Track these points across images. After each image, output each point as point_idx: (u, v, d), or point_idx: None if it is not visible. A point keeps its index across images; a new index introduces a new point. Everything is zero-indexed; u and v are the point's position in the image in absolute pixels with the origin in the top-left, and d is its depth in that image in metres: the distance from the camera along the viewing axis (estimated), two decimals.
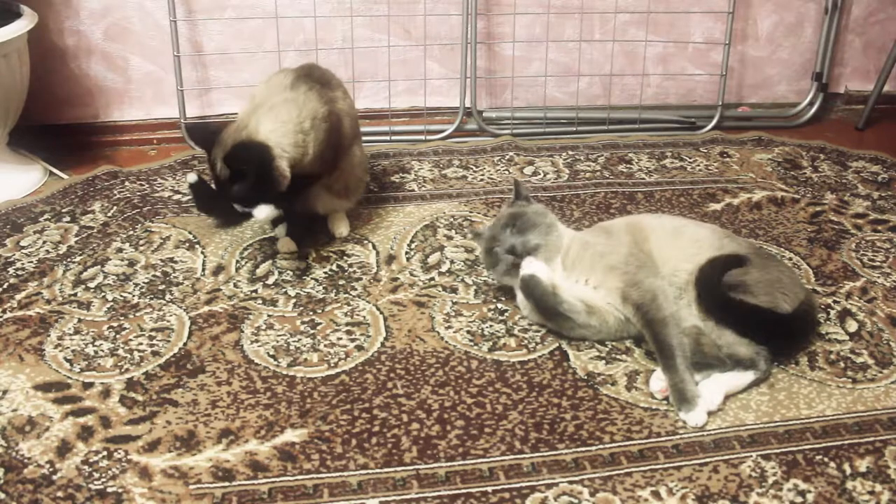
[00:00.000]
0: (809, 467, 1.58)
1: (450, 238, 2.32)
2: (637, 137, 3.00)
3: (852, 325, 1.97)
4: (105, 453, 1.58)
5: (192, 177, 2.35)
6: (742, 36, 3.16)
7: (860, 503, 1.50)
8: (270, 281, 2.12)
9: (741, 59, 3.19)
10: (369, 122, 2.93)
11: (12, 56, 2.45)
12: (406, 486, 1.53)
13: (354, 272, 2.17)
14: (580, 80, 3.10)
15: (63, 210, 2.45)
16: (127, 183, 2.61)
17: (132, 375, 1.79)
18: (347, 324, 1.97)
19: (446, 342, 1.90)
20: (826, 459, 1.59)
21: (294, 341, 1.90)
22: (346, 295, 2.07)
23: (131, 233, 2.33)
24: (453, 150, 2.88)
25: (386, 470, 1.56)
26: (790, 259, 2.24)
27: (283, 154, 1.99)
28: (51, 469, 1.55)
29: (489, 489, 1.52)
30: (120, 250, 2.25)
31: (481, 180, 2.67)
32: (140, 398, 1.72)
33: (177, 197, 2.53)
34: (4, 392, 1.73)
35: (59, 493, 1.50)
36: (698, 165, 2.80)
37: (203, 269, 2.17)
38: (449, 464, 1.57)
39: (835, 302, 2.06)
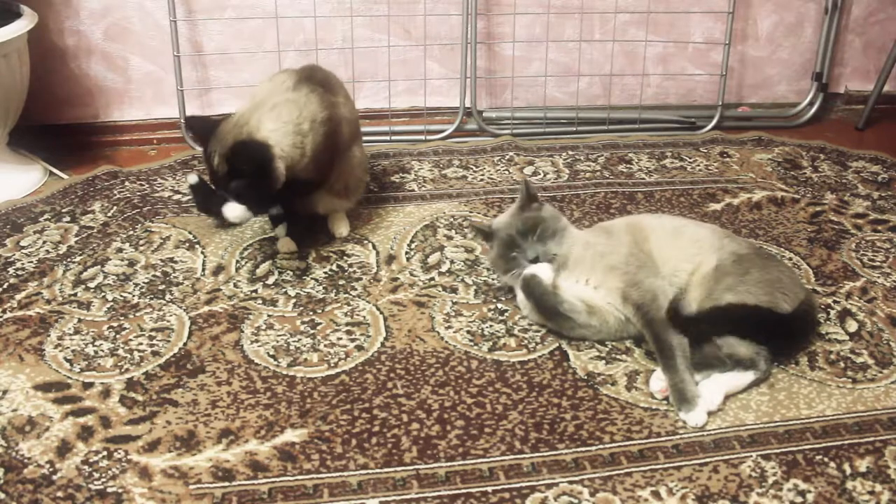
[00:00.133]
0: (809, 467, 1.58)
1: (450, 238, 2.32)
2: (637, 137, 3.00)
3: (852, 325, 1.97)
4: (105, 453, 1.58)
5: (192, 178, 2.35)
6: (742, 36, 3.16)
7: (860, 503, 1.50)
8: (270, 281, 2.12)
9: (741, 59, 3.19)
10: (369, 122, 2.93)
11: (12, 56, 2.45)
12: (406, 486, 1.53)
13: (354, 272, 2.17)
14: (580, 80, 3.10)
15: (63, 210, 2.45)
16: (127, 183, 2.61)
17: (132, 375, 1.79)
18: (347, 324, 1.97)
19: (446, 342, 1.90)
20: (826, 459, 1.59)
21: (294, 341, 1.90)
22: (346, 295, 2.07)
23: (131, 233, 2.33)
24: (453, 150, 2.88)
25: (386, 470, 1.56)
26: (790, 259, 2.24)
27: (282, 154, 2.00)
28: (51, 469, 1.55)
29: (489, 489, 1.52)
30: (120, 250, 2.25)
31: (481, 180, 2.67)
32: (140, 398, 1.72)
33: (177, 197, 2.53)
34: (4, 392, 1.73)
35: (59, 493, 1.50)
36: (698, 165, 2.80)
37: (203, 269, 2.17)
38: (449, 464, 1.57)
39: (835, 302, 2.06)
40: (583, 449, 1.61)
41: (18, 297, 2.04)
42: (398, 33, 2.95)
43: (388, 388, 1.76)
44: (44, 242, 2.28)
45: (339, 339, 1.91)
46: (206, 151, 2.05)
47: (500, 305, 2.04)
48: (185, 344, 1.89)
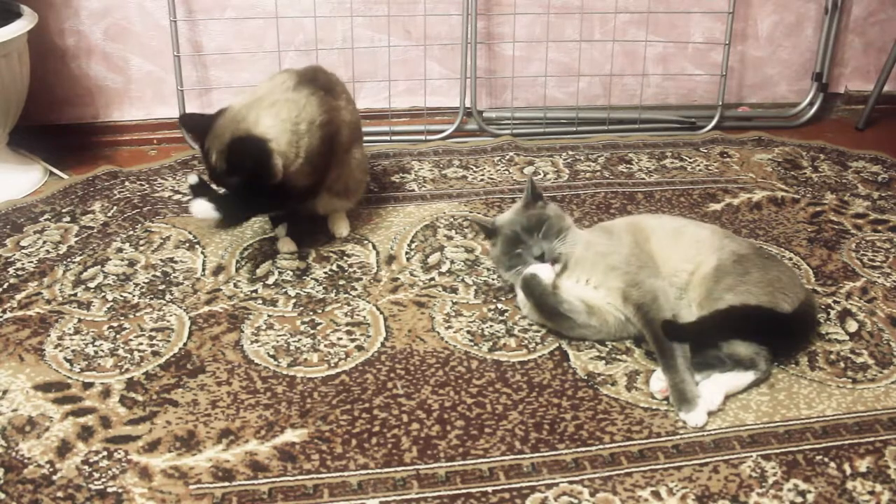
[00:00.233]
0: (809, 467, 1.58)
1: (450, 238, 2.32)
2: (637, 137, 3.00)
3: (852, 325, 1.97)
4: (105, 453, 1.58)
5: (192, 178, 2.35)
6: (742, 36, 3.16)
7: (860, 503, 1.50)
8: (270, 281, 2.12)
9: (741, 59, 3.19)
10: (369, 122, 2.93)
11: (12, 56, 2.45)
12: (406, 486, 1.53)
13: (354, 272, 2.17)
14: (580, 80, 3.10)
15: (63, 210, 2.45)
16: (127, 183, 2.61)
17: (132, 375, 1.79)
18: (347, 324, 1.97)
19: (446, 342, 1.90)
20: (826, 459, 1.59)
21: (294, 341, 1.90)
22: (347, 295, 2.07)
23: (131, 233, 2.33)
24: (453, 150, 2.88)
25: (386, 470, 1.56)
26: (790, 259, 2.24)
27: (279, 150, 2.00)
28: (51, 469, 1.55)
29: (489, 489, 1.52)
30: (120, 250, 2.25)
31: (481, 180, 2.67)
32: (140, 398, 1.72)
33: (177, 197, 2.53)
34: (4, 392, 1.73)
35: (59, 494, 1.50)
36: (698, 165, 2.80)
37: (203, 269, 2.17)
38: (449, 464, 1.57)
39: (835, 302, 2.06)
40: (583, 449, 1.61)
41: (18, 297, 2.04)
42: (398, 33, 2.95)
43: (388, 389, 1.76)
44: (44, 242, 2.28)
45: (340, 339, 1.91)
46: (202, 148, 2.05)
47: (500, 305, 2.04)
48: (185, 344, 1.89)
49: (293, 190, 2.11)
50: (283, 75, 2.19)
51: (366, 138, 2.58)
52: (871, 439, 1.64)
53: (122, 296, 2.06)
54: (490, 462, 1.58)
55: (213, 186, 2.13)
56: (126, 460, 1.57)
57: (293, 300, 2.05)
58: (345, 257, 2.23)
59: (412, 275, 2.16)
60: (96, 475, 1.54)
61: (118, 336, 1.91)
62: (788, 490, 1.52)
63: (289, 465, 1.57)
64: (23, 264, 2.17)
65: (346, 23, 2.89)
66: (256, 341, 1.90)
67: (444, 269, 2.19)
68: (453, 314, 2.00)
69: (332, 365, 1.83)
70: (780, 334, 1.79)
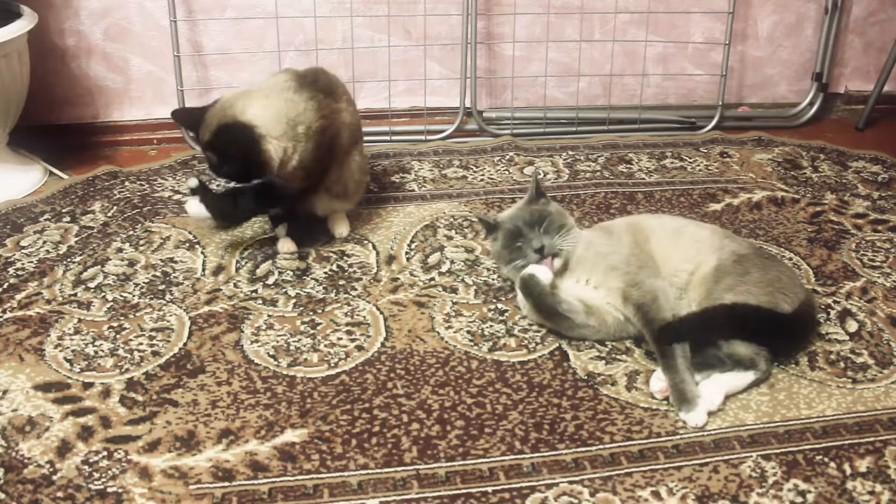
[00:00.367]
0: (809, 467, 1.58)
1: (450, 238, 2.32)
2: (637, 137, 3.00)
3: (852, 325, 1.97)
4: (105, 453, 1.58)
5: (192, 181, 2.35)
6: (742, 36, 3.16)
7: (860, 503, 1.50)
8: (270, 281, 2.12)
9: (741, 59, 3.19)
10: (369, 122, 2.93)
11: (12, 56, 2.45)
12: (406, 486, 1.53)
13: (354, 272, 2.17)
14: (580, 80, 3.10)
15: (63, 210, 2.45)
16: (127, 183, 2.61)
17: (132, 375, 1.79)
18: (347, 324, 1.97)
19: (446, 342, 1.90)
20: (826, 459, 1.59)
21: (294, 341, 1.90)
22: (347, 295, 2.07)
23: (131, 233, 2.33)
24: (453, 151, 2.88)
25: (386, 470, 1.56)
26: (790, 259, 2.24)
27: (270, 138, 1.99)
28: (51, 469, 1.55)
29: (489, 489, 1.52)
30: (120, 250, 2.25)
31: (481, 180, 2.67)
32: (140, 398, 1.72)
33: (177, 197, 2.53)
34: (4, 392, 1.73)
35: (59, 494, 1.50)
36: (698, 165, 2.80)
37: (203, 269, 2.17)
38: (449, 464, 1.57)
39: (835, 302, 2.06)
40: (583, 449, 1.61)
41: (18, 297, 2.04)
42: (398, 33, 2.95)
43: (388, 389, 1.76)
44: (44, 242, 2.28)
45: (340, 339, 1.91)
46: (198, 140, 2.06)
47: (500, 305, 2.04)
48: (185, 344, 1.89)
49: (288, 189, 2.11)
50: (284, 75, 2.18)
51: (366, 138, 2.58)
52: (871, 439, 1.64)
53: (122, 296, 2.06)
54: (490, 462, 1.58)
55: (215, 184, 2.13)
56: (126, 460, 1.57)
57: (293, 300, 2.05)
58: (345, 257, 2.23)
59: (412, 275, 2.16)
60: (96, 475, 1.54)
61: (118, 336, 1.91)
62: (788, 490, 1.52)
63: (289, 465, 1.57)
64: (23, 264, 2.17)
65: (346, 23, 2.89)
66: (256, 341, 1.90)
67: (444, 269, 2.19)
68: (453, 314, 2.00)
69: (332, 365, 1.83)
70: (780, 334, 1.79)
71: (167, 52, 2.81)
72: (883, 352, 1.89)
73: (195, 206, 2.11)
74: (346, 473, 1.55)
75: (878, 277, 2.16)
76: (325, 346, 1.89)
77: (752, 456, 1.60)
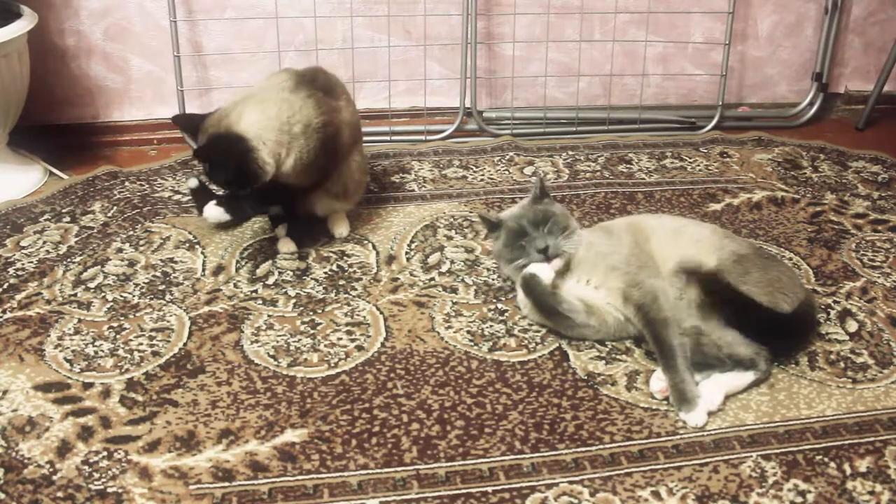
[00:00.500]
0: (809, 467, 1.58)
1: (450, 238, 2.32)
2: (637, 137, 3.00)
3: (852, 325, 1.97)
4: (105, 453, 1.58)
5: (192, 182, 2.35)
6: (742, 36, 3.16)
7: (860, 503, 1.50)
8: (270, 281, 2.12)
9: (741, 59, 3.19)
10: (369, 123, 2.93)
11: (12, 56, 2.45)
12: (406, 486, 1.53)
13: (354, 272, 2.17)
14: (580, 80, 3.10)
15: (63, 210, 2.45)
16: (127, 183, 2.61)
17: (132, 376, 1.79)
18: (347, 324, 1.97)
19: (446, 342, 1.90)
20: (826, 459, 1.59)
21: (294, 341, 1.90)
22: (346, 295, 2.07)
23: (131, 233, 2.33)
24: (453, 151, 2.88)
25: (386, 470, 1.56)
26: (790, 259, 2.24)
27: (264, 147, 1.99)
28: (51, 469, 1.55)
29: (489, 489, 1.52)
30: (120, 250, 2.25)
31: (481, 180, 2.67)
32: (140, 398, 1.72)
33: (177, 197, 2.53)
34: (4, 392, 1.73)
35: (59, 494, 1.50)
36: (698, 165, 2.80)
37: (203, 270, 2.17)
38: (449, 464, 1.57)
39: (835, 302, 2.06)
40: (583, 449, 1.61)
41: (18, 297, 2.04)
42: (398, 33, 2.95)
43: (388, 389, 1.76)
44: (44, 242, 2.28)
45: (340, 339, 1.91)
46: (193, 153, 2.06)
47: (500, 305, 2.04)
48: (185, 344, 1.89)
49: (291, 188, 2.11)
50: (283, 74, 2.18)
51: (366, 138, 2.58)
52: (871, 439, 1.64)
53: (122, 296, 2.06)
54: (490, 462, 1.58)
55: (212, 187, 2.14)
56: (126, 460, 1.57)
57: (293, 300, 2.05)
58: (345, 257, 2.23)
59: (412, 275, 2.16)
60: (96, 475, 1.54)
61: (118, 336, 1.91)
62: (788, 490, 1.52)
63: (289, 465, 1.57)
64: (23, 264, 2.17)
65: (346, 23, 2.89)
66: (256, 341, 1.90)
67: (444, 269, 2.19)
68: (453, 314, 2.00)
69: (332, 365, 1.83)
70: (781, 334, 1.79)
71: (167, 52, 2.81)
72: (883, 352, 1.89)
73: (211, 211, 2.10)
74: (346, 473, 1.55)
75: (878, 277, 2.16)
76: (325, 346, 1.89)
77: (752, 456, 1.60)
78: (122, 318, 1.97)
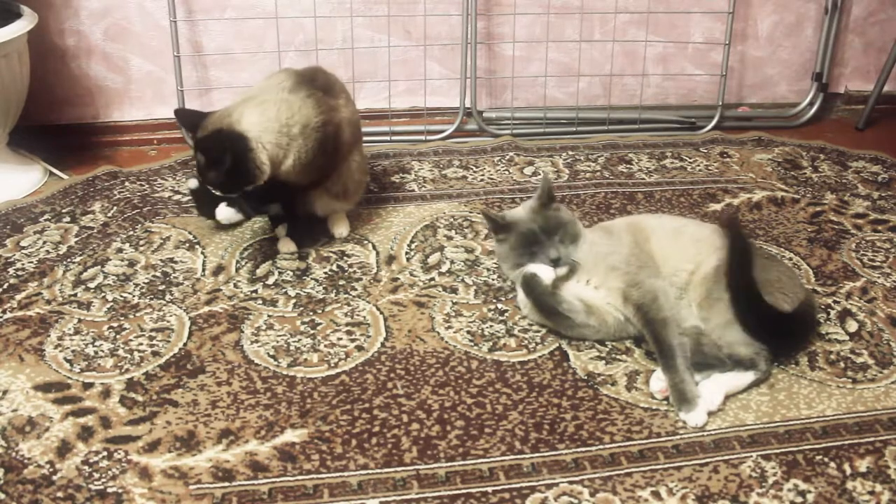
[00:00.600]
0: (809, 467, 1.58)
1: (450, 238, 2.32)
2: (637, 137, 3.00)
3: (852, 326, 1.97)
4: (105, 454, 1.58)
5: (192, 182, 2.36)
6: (742, 36, 3.16)
7: (860, 503, 1.50)
8: (270, 281, 2.12)
9: (741, 59, 3.19)
10: (369, 123, 2.93)
11: (12, 56, 2.45)
12: (406, 486, 1.53)
13: (354, 272, 2.17)
14: (580, 80, 3.10)
15: (63, 210, 2.45)
16: (127, 183, 2.61)
17: (132, 376, 1.79)
18: (347, 324, 1.97)
19: (446, 342, 1.90)
20: (826, 459, 1.59)
21: (294, 341, 1.90)
22: (346, 295, 2.07)
23: (131, 233, 2.33)
24: (453, 151, 2.88)
25: (386, 470, 1.56)
26: (790, 259, 2.23)
27: (263, 148, 1.99)
28: (51, 469, 1.55)
29: (489, 489, 1.52)
30: (120, 250, 2.25)
31: (481, 180, 2.67)
32: (140, 398, 1.72)
33: (177, 197, 2.53)
34: (4, 392, 1.73)
35: (59, 494, 1.50)
36: (698, 165, 2.80)
37: (203, 270, 2.17)
38: (449, 464, 1.57)
39: (835, 302, 2.06)
40: (583, 449, 1.61)
41: (18, 297, 2.04)
42: (398, 33, 2.95)
43: (388, 389, 1.76)
44: (44, 243, 2.28)
45: (340, 339, 1.91)
46: (193, 143, 2.06)
47: (500, 305, 2.04)
48: (185, 344, 1.89)
49: (291, 186, 2.11)
50: (282, 74, 2.19)
51: (366, 138, 2.58)
52: (871, 439, 1.64)
53: (122, 296, 2.06)
54: (490, 462, 1.58)
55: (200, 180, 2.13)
56: (126, 460, 1.57)
57: (293, 300, 2.05)
58: (345, 257, 2.23)
59: (412, 275, 2.16)
60: (96, 475, 1.54)
61: (118, 336, 1.91)
62: (788, 490, 1.52)
63: (289, 465, 1.57)
64: (23, 264, 2.17)
65: (346, 23, 2.89)
66: (256, 341, 1.90)
67: (444, 269, 2.19)
68: (453, 314, 2.00)
69: (332, 365, 1.83)
70: (781, 334, 1.79)
71: (167, 52, 2.81)
72: (883, 352, 1.89)
73: (225, 211, 2.09)
74: (346, 473, 1.55)
75: (878, 277, 2.16)
76: (325, 346, 1.89)
77: (752, 456, 1.60)
78: (122, 319, 1.97)
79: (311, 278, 2.14)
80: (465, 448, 1.61)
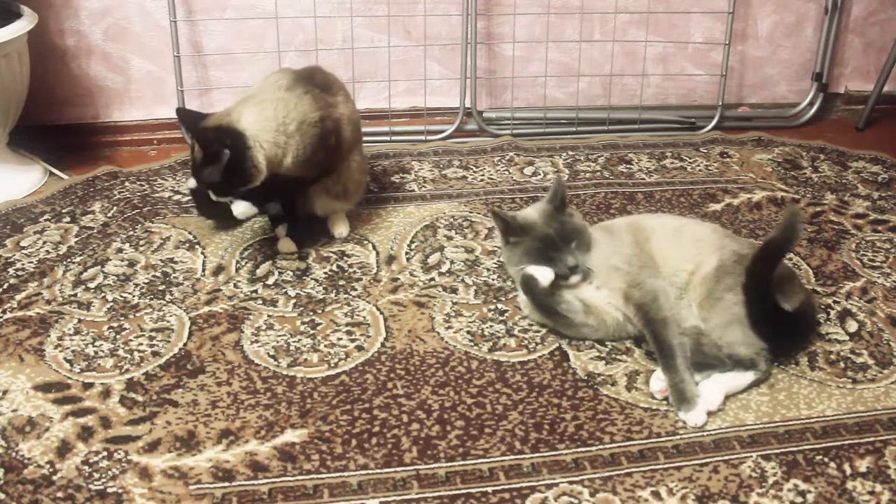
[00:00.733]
0: (809, 467, 1.58)
1: (450, 238, 2.32)
2: (637, 137, 3.00)
3: (852, 326, 1.97)
4: (105, 454, 1.58)
5: (192, 182, 2.35)
6: (742, 36, 3.16)
7: (860, 503, 1.50)
8: (270, 281, 2.12)
9: (741, 59, 3.19)
10: (370, 123, 2.93)
11: (12, 56, 2.45)
12: (406, 486, 1.53)
13: (354, 272, 2.17)
14: (580, 80, 3.10)
15: (63, 210, 2.45)
16: (127, 183, 2.61)
17: (132, 376, 1.79)
18: (347, 324, 1.97)
19: (446, 342, 1.90)
20: (826, 459, 1.59)
21: (294, 342, 1.90)
22: (346, 295, 2.07)
23: (131, 233, 2.33)
24: (453, 151, 2.88)
25: (386, 470, 1.56)
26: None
27: (260, 148, 2.00)
28: (51, 469, 1.55)
29: (489, 489, 1.52)
30: (120, 251, 2.25)
31: (481, 181, 2.67)
32: (140, 398, 1.72)
33: (177, 197, 2.53)
34: (4, 392, 1.73)
35: (59, 494, 1.50)
36: (698, 166, 2.80)
37: (203, 270, 2.17)
38: (449, 464, 1.57)
39: (835, 302, 2.06)
40: (583, 449, 1.61)
41: (18, 297, 2.04)
42: (398, 33, 2.95)
43: (388, 389, 1.76)
44: (44, 243, 2.28)
45: (340, 339, 1.91)
46: (192, 136, 2.06)
47: (500, 305, 2.04)
48: (185, 344, 1.89)
49: (292, 182, 2.12)
50: (278, 74, 2.19)
51: (366, 138, 2.58)
52: (871, 439, 1.64)
53: (122, 296, 2.06)
54: (490, 462, 1.58)
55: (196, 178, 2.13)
56: (126, 460, 1.57)
57: (293, 300, 2.05)
58: (345, 257, 2.23)
59: (412, 275, 2.16)
60: (96, 475, 1.54)
61: (118, 336, 1.91)
62: (788, 490, 1.52)
63: (289, 465, 1.57)
64: (23, 264, 2.17)
65: (346, 23, 2.89)
66: (256, 341, 1.90)
67: (444, 269, 2.19)
68: (453, 314, 2.00)
69: (332, 365, 1.83)
70: (781, 333, 1.79)
71: (167, 52, 2.82)
72: (883, 352, 1.89)
73: (242, 206, 2.07)
74: (346, 473, 1.55)
75: (878, 277, 2.16)
76: (325, 346, 1.89)
77: (752, 456, 1.60)
78: (122, 319, 1.97)
79: (311, 278, 2.14)
80: (465, 448, 1.61)
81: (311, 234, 2.31)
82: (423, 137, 2.95)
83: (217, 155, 1.97)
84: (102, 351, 1.86)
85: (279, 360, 1.84)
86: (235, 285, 2.10)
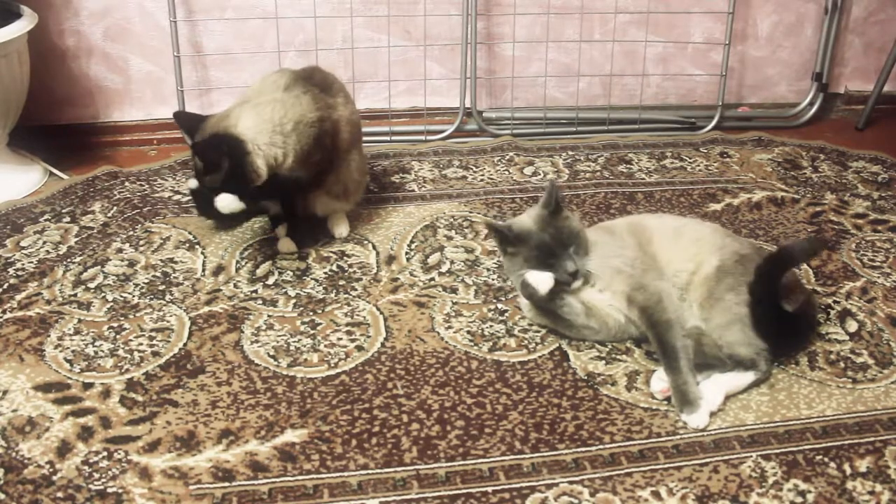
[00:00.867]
0: (809, 467, 1.58)
1: (450, 238, 2.32)
2: (637, 137, 3.00)
3: (852, 325, 1.97)
4: (105, 454, 1.58)
5: (192, 182, 2.35)
6: (742, 36, 3.16)
7: (860, 503, 1.50)
8: (270, 281, 2.12)
9: (741, 59, 3.19)
10: (370, 123, 2.93)
11: (12, 56, 2.45)
12: (406, 486, 1.53)
13: (354, 272, 2.17)
14: (580, 80, 3.10)
15: (63, 210, 2.45)
16: (127, 183, 2.61)
17: (132, 376, 1.79)
18: (347, 324, 1.97)
19: (446, 342, 1.90)
20: (826, 459, 1.59)
21: (294, 342, 1.90)
22: (346, 295, 2.07)
23: (131, 233, 2.33)
24: (453, 151, 2.88)
25: (386, 470, 1.56)
26: None
27: (258, 151, 2.00)
28: (51, 469, 1.55)
29: (489, 489, 1.52)
30: (120, 251, 2.25)
31: (481, 181, 2.67)
32: (140, 398, 1.72)
33: (177, 197, 2.53)
34: (4, 392, 1.73)
35: (59, 494, 1.50)
36: (698, 166, 2.80)
37: (203, 270, 2.17)
38: (449, 464, 1.57)
39: (835, 302, 2.06)
40: (583, 449, 1.61)
41: (18, 297, 2.04)
42: (398, 33, 2.95)
43: (388, 389, 1.76)
44: (44, 243, 2.28)
45: (340, 339, 1.91)
46: (191, 146, 2.06)
47: (500, 305, 2.04)
48: (185, 344, 1.89)
49: (292, 182, 2.11)
50: (277, 74, 2.19)
51: (366, 138, 2.58)
52: (871, 439, 1.64)
53: (122, 296, 2.06)
54: (490, 462, 1.58)
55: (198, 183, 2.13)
56: (126, 460, 1.57)
57: (293, 300, 2.05)
58: (345, 257, 2.23)
59: (412, 275, 2.16)
60: (96, 475, 1.54)
61: (118, 336, 1.91)
62: (788, 490, 1.52)
63: (289, 465, 1.57)
64: (23, 264, 2.17)
65: (346, 23, 2.89)
66: (256, 341, 1.90)
67: (444, 269, 2.19)
68: (453, 314, 2.00)
69: (332, 365, 1.83)
70: (782, 333, 1.79)
71: (167, 52, 2.82)
72: (883, 352, 1.89)
73: (226, 199, 2.02)
74: (346, 473, 1.55)
75: (878, 277, 2.16)
76: (325, 346, 1.89)
77: (752, 456, 1.60)
78: (122, 319, 1.97)
79: (311, 278, 2.14)
80: (465, 448, 1.61)
81: (311, 234, 2.31)
82: (423, 137, 2.95)
83: (217, 164, 1.97)
84: (102, 351, 1.86)
85: (279, 360, 1.84)
86: (235, 285, 2.10)
